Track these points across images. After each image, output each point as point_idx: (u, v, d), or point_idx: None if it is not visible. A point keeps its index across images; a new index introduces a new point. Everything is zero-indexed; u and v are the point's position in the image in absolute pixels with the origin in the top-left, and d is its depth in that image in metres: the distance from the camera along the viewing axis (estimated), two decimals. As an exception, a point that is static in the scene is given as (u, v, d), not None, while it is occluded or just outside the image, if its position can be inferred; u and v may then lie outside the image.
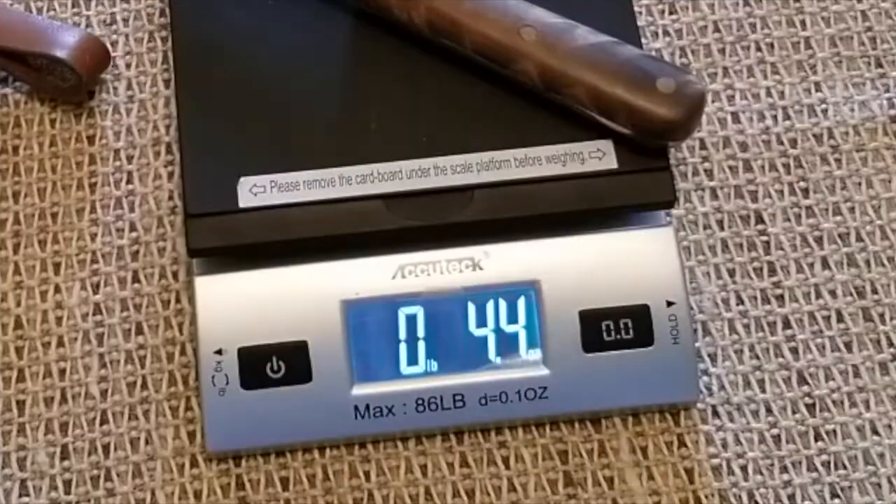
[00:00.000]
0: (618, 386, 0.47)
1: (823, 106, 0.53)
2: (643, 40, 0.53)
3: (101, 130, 0.53)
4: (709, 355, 0.49)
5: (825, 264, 0.50)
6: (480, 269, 0.47)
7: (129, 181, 0.51)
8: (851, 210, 0.51)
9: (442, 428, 0.47)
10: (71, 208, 0.51)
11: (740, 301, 0.49)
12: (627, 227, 0.48)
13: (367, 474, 0.46)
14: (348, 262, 0.47)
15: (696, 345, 0.48)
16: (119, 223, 0.50)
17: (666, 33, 0.56)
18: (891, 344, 0.49)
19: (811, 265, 0.50)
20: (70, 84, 0.50)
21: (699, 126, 0.49)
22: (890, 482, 0.46)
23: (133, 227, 0.50)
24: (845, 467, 0.46)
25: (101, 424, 0.46)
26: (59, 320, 0.48)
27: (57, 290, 0.47)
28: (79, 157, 0.52)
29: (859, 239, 0.50)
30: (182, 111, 0.49)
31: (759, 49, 0.54)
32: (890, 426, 0.47)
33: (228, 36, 0.52)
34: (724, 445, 0.46)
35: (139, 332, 0.48)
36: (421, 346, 0.47)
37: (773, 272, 0.50)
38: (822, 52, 0.54)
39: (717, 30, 0.55)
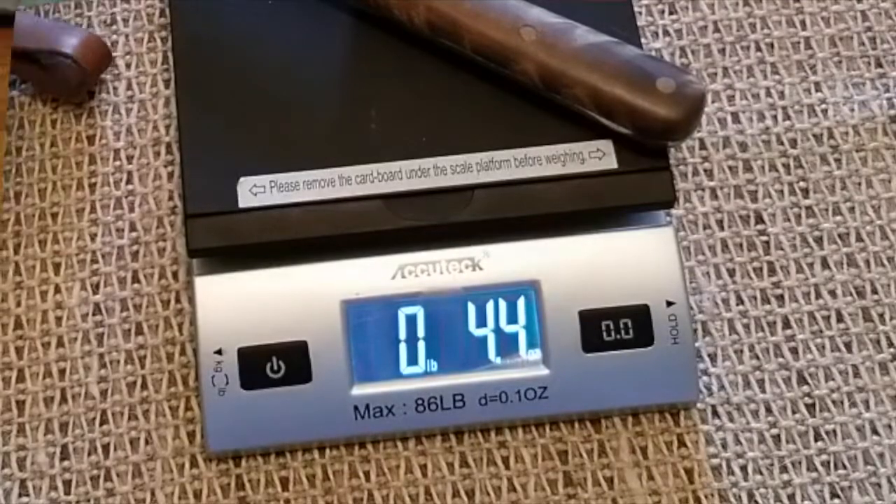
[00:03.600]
0: (618, 386, 0.47)
1: (823, 106, 0.54)
2: (643, 40, 0.54)
3: (101, 131, 0.54)
4: (708, 355, 0.49)
5: (825, 264, 0.50)
6: (480, 269, 0.47)
7: (128, 181, 0.52)
8: (851, 210, 0.51)
9: (442, 428, 0.47)
10: (71, 208, 0.51)
11: (740, 301, 0.50)
12: (627, 227, 0.49)
13: (366, 474, 0.46)
14: (348, 262, 0.47)
15: (696, 345, 0.48)
16: (119, 223, 0.50)
17: (666, 33, 0.56)
18: (891, 344, 0.49)
19: (811, 265, 0.50)
20: (75, 82, 0.51)
21: (699, 126, 0.50)
22: (890, 482, 0.46)
23: (133, 227, 0.51)
24: (845, 467, 0.46)
25: (101, 425, 0.47)
26: (58, 320, 0.49)
27: (57, 290, 0.47)
28: (79, 157, 0.53)
29: (859, 239, 0.50)
30: (182, 111, 0.49)
31: (759, 49, 0.55)
32: (890, 426, 0.47)
33: (228, 36, 0.52)
34: (724, 445, 0.47)
35: (139, 332, 0.49)
36: (421, 346, 0.47)
37: (772, 272, 0.50)
38: (822, 52, 0.55)
39: (716, 30, 0.56)
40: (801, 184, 0.52)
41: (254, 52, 0.51)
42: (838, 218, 0.51)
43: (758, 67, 0.55)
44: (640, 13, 0.56)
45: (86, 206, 0.51)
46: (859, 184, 0.52)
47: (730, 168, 0.53)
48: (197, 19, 0.52)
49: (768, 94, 0.54)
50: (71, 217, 0.51)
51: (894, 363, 0.49)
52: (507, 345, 0.47)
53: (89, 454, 0.46)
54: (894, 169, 0.53)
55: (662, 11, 0.57)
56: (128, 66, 0.54)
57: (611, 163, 0.47)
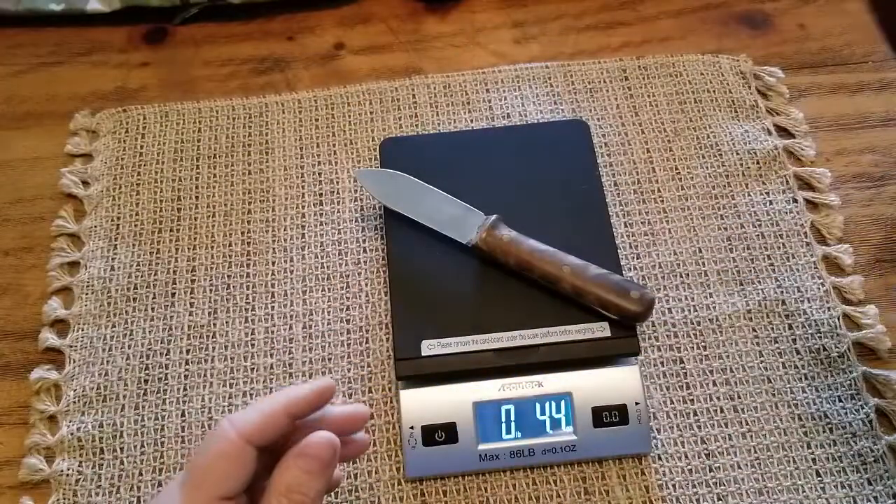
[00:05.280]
0: (611, 444, 0.59)
1: (713, 302, 0.67)
2: (624, 272, 0.66)
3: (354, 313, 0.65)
4: (655, 429, 0.61)
5: (714, 384, 0.63)
6: (541, 386, 0.59)
7: (366, 342, 0.65)
8: (727, 354, 0.63)
9: (523, 465, 0.60)
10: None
11: (671, 402, 0.61)
12: (615, 365, 0.60)
13: (485, 489, 0.60)
14: (476, 382, 0.59)
15: (650, 423, 0.60)
16: (361, 363, 0.64)
17: (635, 268, 0.69)
18: (745, 422, 0.60)
19: (707, 384, 0.62)
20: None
21: (651, 315, 0.60)
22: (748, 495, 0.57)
23: (369, 365, 0.65)
24: (724, 484, 0.58)
25: (353, 462, 0.61)
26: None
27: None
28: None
29: (733, 371, 0.63)
30: (393, 308, 0.61)
31: (682, 276, 0.67)
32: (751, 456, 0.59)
33: (417, 270, 0.62)
34: (664, 474, 0.59)
35: (373, 417, 0.62)
36: (512, 424, 0.59)
37: (687, 388, 0.63)
38: (713, 276, 0.68)
39: (659, 267, 0.69)
40: (702, 344, 0.65)
41: (427, 274, 0.62)
42: (721, 360, 0.64)
43: (680, 286, 0.68)
44: (623, 256, 0.69)
45: (347, 352, 0.64)
46: (735, 343, 0.64)
47: (665, 336, 0.66)
48: (401, 261, 0.63)
49: (687, 298, 0.67)
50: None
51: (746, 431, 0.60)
52: (555, 424, 0.58)
53: (348, 478, 0.61)
54: (751, 347, 0.65)
55: (633, 256, 0.70)
56: (364, 285, 0.68)
57: (606, 333, 0.59)
